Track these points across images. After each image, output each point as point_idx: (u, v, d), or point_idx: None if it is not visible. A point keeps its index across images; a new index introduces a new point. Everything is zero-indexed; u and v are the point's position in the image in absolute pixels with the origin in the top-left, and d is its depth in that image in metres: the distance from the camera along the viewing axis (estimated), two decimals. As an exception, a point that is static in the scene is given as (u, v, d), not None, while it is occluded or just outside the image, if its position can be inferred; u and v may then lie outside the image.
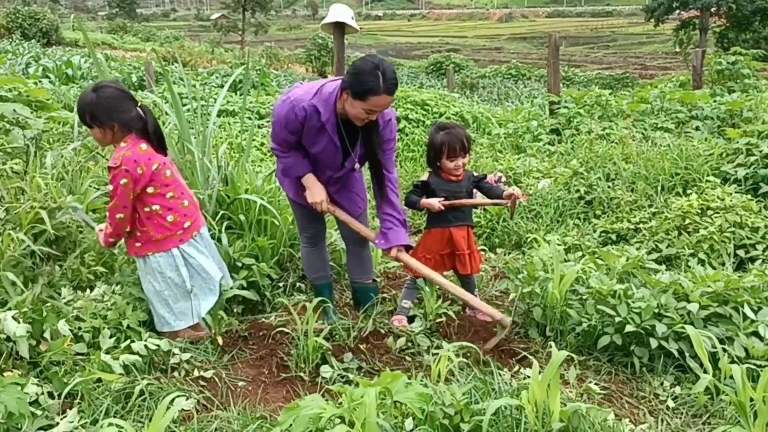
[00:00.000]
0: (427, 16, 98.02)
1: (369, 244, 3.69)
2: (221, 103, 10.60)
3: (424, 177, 3.72)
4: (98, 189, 4.03)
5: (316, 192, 3.33)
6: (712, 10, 34.18)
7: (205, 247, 3.30)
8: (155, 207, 3.08)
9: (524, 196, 5.89)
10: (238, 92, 12.71)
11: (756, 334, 2.97)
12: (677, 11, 36.38)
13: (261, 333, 3.52)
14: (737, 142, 5.53)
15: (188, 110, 4.80)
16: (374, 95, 2.95)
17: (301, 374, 3.08)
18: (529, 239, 4.89)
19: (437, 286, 3.61)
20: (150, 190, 3.05)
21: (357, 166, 3.40)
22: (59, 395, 2.55)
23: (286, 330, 3.35)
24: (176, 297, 3.19)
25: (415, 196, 3.65)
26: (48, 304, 2.94)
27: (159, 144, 3.11)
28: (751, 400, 2.36)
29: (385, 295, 4.13)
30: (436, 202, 3.56)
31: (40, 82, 9.67)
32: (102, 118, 2.97)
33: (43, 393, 2.52)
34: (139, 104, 3.08)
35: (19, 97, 5.26)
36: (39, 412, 2.43)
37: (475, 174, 3.82)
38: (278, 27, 74.22)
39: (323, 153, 3.29)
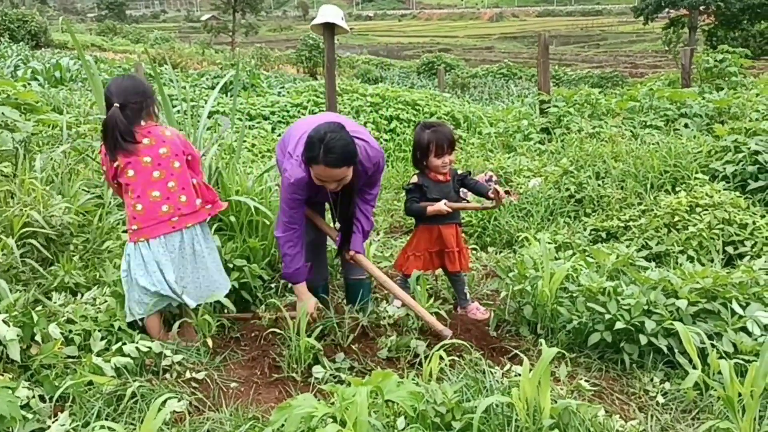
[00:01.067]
0: (418, 16, 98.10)
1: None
2: (212, 105, 10.62)
3: (413, 180, 3.74)
4: (88, 191, 4.02)
5: (310, 305, 3.44)
6: (701, 8, 34.38)
7: (150, 263, 3.13)
8: (126, 200, 3.21)
9: (515, 195, 5.92)
10: (229, 94, 12.69)
11: (744, 329, 3.00)
12: (666, 10, 36.57)
13: (253, 334, 3.53)
14: (725, 140, 5.57)
15: (178, 112, 4.79)
16: (315, 164, 3.06)
17: (294, 375, 3.09)
18: (520, 238, 4.91)
19: (428, 286, 3.64)
20: (115, 183, 3.22)
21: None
22: (50, 398, 2.54)
23: (277, 330, 3.35)
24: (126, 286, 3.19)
25: (417, 205, 3.68)
26: (38, 308, 2.93)
27: (114, 145, 3.09)
28: (740, 394, 2.38)
29: (377, 295, 4.14)
30: (443, 206, 3.60)
31: (29, 84, 9.61)
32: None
33: (34, 396, 2.51)
34: (114, 105, 3.07)
35: (8, 100, 5.24)
36: (30, 416, 2.43)
37: (459, 172, 3.84)
38: (269, 28, 74.12)
39: (323, 197, 3.48)
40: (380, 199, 6.83)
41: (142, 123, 3.15)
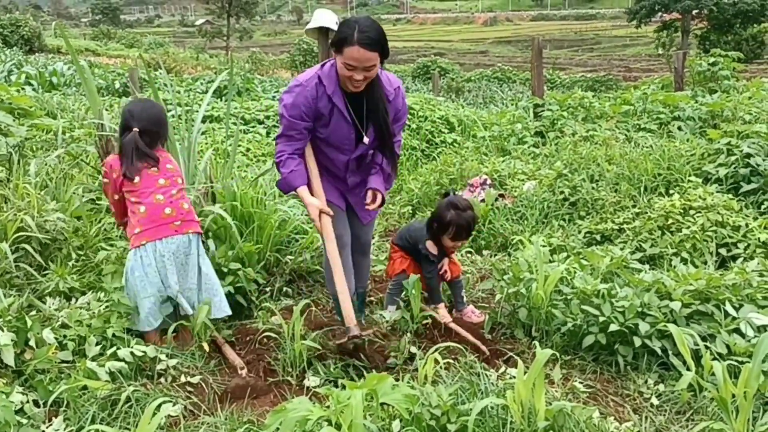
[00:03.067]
0: (412, 21, 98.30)
1: (371, 253, 3.74)
2: (206, 109, 10.62)
3: (433, 249, 3.64)
4: (82, 196, 4.02)
5: (314, 201, 3.23)
6: (694, 12, 34.56)
7: (151, 265, 3.19)
8: (129, 207, 3.28)
9: (509, 199, 5.93)
10: (223, 98, 12.69)
11: (737, 331, 3.01)
12: (659, 14, 36.75)
13: (248, 338, 3.52)
14: (718, 143, 5.60)
15: (173, 116, 4.79)
16: (348, 45, 2.92)
17: (289, 378, 3.09)
18: (514, 241, 4.92)
19: (422, 290, 3.65)
20: (116, 196, 3.31)
21: (366, 140, 3.26)
22: (45, 403, 2.54)
23: (272, 334, 3.35)
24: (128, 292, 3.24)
25: (438, 291, 3.72)
26: (33, 313, 2.93)
27: (131, 163, 3.24)
28: (733, 396, 2.39)
29: (372, 298, 4.14)
30: (445, 318, 3.61)
31: (22, 89, 9.60)
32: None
33: (28, 401, 2.50)
34: (134, 129, 3.24)
35: (2, 105, 5.22)
36: (24, 421, 2.42)
37: None
38: (263, 32, 74.18)
39: (337, 132, 3.23)
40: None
41: (156, 150, 3.32)
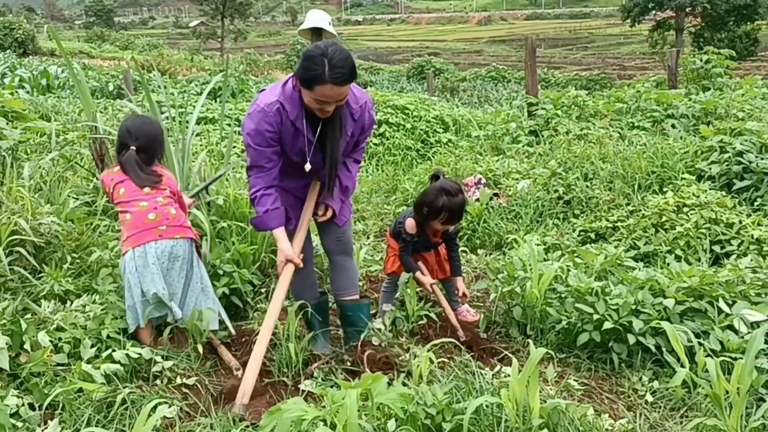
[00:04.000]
0: (407, 21, 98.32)
1: (354, 255, 3.58)
2: (200, 111, 10.60)
3: (412, 229, 3.62)
4: (77, 199, 4.02)
5: (286, 248, 3.05)
6: (687, 10, 34.65)
7: (138, 269, 3.18)
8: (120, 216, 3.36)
9: (504, 198, 5.94)
10: (218, 100, 12.68)
11: (731, 327, 3.03)
12: (653, 12, 36.85)
13: (243, 339, 3.53)
14: (711, 140, 5.62)
15: (166, 118, 4.79)
16: (319, 84, 2.72)
17: (284, 379, 3.09)
18: (509, 240, 4.93)
19: (418, 288, 3.66)
20: (115, 201, 3.39)
21: (308, 167, 3.07)
22: (40, 406, 2.54)
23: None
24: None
25: (410, 261, 3.66)
26: (28, 316, 2.93)
27: (141, 177, 3.35)
28: (727, 392, 2.40)
29: (367, 297, 4.15)
30: (428, 286, 3.63)
31: (16, 92, 9.57)
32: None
33: (23, 404, 2.51)
34: (131, 147, 3.34)
35: (-5, 108, 5.21)
36: (20, 424, 2.43)
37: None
38: (258, 33, 74.10)
39: (298, 153, 3.06)
40: (370, 203, 6.85)
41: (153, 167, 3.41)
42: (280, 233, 3.05)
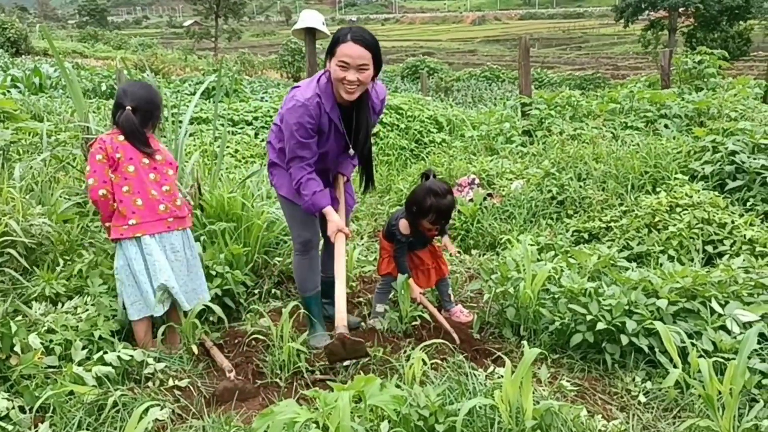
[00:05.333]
0: (401, 20, 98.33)
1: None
2: (194, 111, 10.57)
3: (405, 230, 3.63)
4: (69, 200, 3.99)
5: (336, 220, 3.34)
6: (680, 10, 34.75)
7: (150, 256, 3.21)
8: (117, 195, 3.22)
9: (497, 198, 5.94)
10: (212, 99, 12.64)
11: (723, 327, 3.03)
12: (646, 12, 36.95)
13: (236, 340, 3.51)
14: (704, 140, 5.63)
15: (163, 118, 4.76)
16: (341, 43, 3.05)
17: (277, 380, 3.08)
18: (502, 240, 4.93)
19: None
20: (113, 177, 3.20)
21: (352, 152, 3.45)
22: (30, 409, 2.52)
23: (261, 337, 3.34)
24: (123, 284, 3.24)
25: (404, 263, 3.68)
26: (18, 318, 2.91)
27: (137, 142, 3.24)
28: (719, 393, 2.41)
29: (360, 299, 4.14)
30: (417, 294, 3.62)
31: (8, 92, 9.54)
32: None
33: (14, 407, 2.50)
34: (127, 107, 3.22)
35: (-14, 109, 5.19)
36: (10, 427, 2.41)
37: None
38: (252, 33, 74.04)
39: (331, 144, 3.35)
40: (363, 203, 6.83)
41: (146, 131, 3.30)
42: (330, 211, 3.34)
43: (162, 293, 3.21)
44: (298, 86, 3.32)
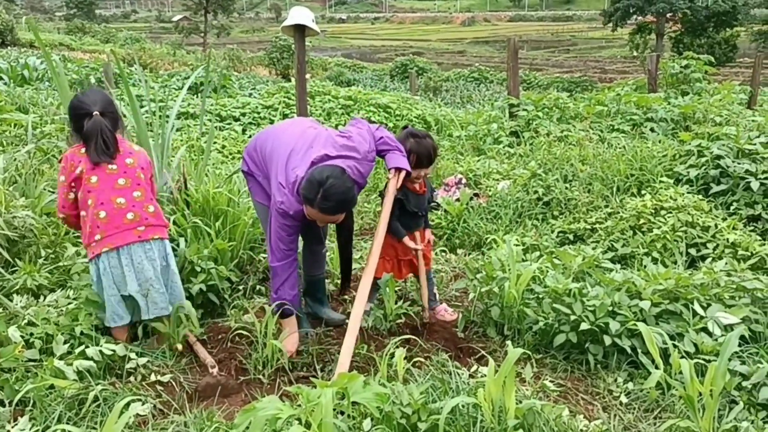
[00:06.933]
0: (391, 20, 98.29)
1: (326, 242, 3.82)
2: (182, 106, 10.52)
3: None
4: (53, 192, 3.96)
5: (294, 340, 3.30)
6: (668, 15, 35.00)
7: (116, 269, 3.06)
8: (82, 213, 3.06)
9: (484, 198, 5.96)
10: (200, 94, 12.58)
11: (705, 330, 3.06)
12: (634, 16, 37.19)
13: (220, 336, 3.50)
14: (689, 144, 5.67)
15: (146, 112, 4.74)
16: (309, 206, 2.98)
17: (260, 377, 3.07)
18: (488, 240, 4.94)
19: (396, 287, 3.65)
20: (71, 195, 3.05)
21: None
22: (10, 402, 2.50)
23: (245, 333, 3.33)
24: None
25: (398, 226, 3.63)
26: (-1, 310, 2.88)
27: (103, 150, 3.02)
28: (700, 394, 2.43)
29: (345, 296, 4.13)
30: (416, 246, 3.63)
31: (-7, 83, 9.45)
32: (71, 124, 3.12)
33: (-7, 400, 2.47)
34: (94, 113, 3.01)
35: (-31, 99, 5.13)
36: (-11, 420, 2.38)
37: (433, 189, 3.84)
38: (241, 29, 73.70)
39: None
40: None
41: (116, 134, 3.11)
42: (293, 319, 3.34)
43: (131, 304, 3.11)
44: (282, 189, 3.11)
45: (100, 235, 3.01)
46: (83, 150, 3.03)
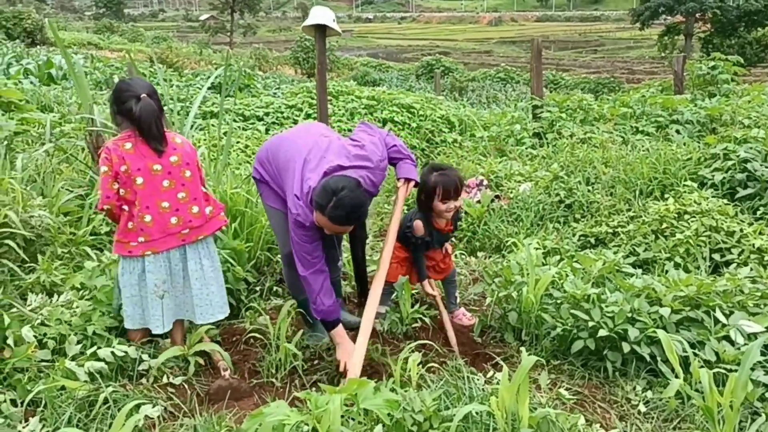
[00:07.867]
0: (418, 19, 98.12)
1: (341, 247, 3.78)
2: (206, 105, 10.57)
3: (420, 231, 3.54)
4: (71, 191, 3.98)
5: (348, 349, 3.09)
6: (697, 15, 34.44)
7: (152, 273, 3.01)
8: (125, 207, 2.97)
9: (505, 200, 5.89)
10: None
11: (727, 338, 2.97)
12: (663, 16, 36.66)
13: (234, 338, 3.49)
14: (715, 147, 5.55)
15: (169, 110, 4.75)
16: (320, 214, 2.90)
17: (273, 380, 3.05)
18: (508, 243, 4.89)
19: (413, 290, 3.62)
20: (116, 186, 2.93)
21: None
22: (22, 403, 2.51)
23: (259, 335, 3.31)
24: (123, 294, 3.05)
25: (423, 269, 3.61)
26: (13, 310, 2.89)
27: (154, 135, 2.92)
28: (720, 405, 2.35)
29: (362, 298, 4.10)
30: (437, 296, 3.59)
31: (19, 82, 9.57)
32: (114, 107, 2.97)
33: (5, 400, 2.49)
34: (142, 96, 2.88)
35: (-9, 98, 5.19)
36: (1, 420, 2.40)
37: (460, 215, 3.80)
38: (268, 28, 74.14)
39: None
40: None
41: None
42: (341, 329, 3.20)
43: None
44: (297, 201, 3.04)
45: (144, 238, 2.96)
46: (127, 145, 2.90)
